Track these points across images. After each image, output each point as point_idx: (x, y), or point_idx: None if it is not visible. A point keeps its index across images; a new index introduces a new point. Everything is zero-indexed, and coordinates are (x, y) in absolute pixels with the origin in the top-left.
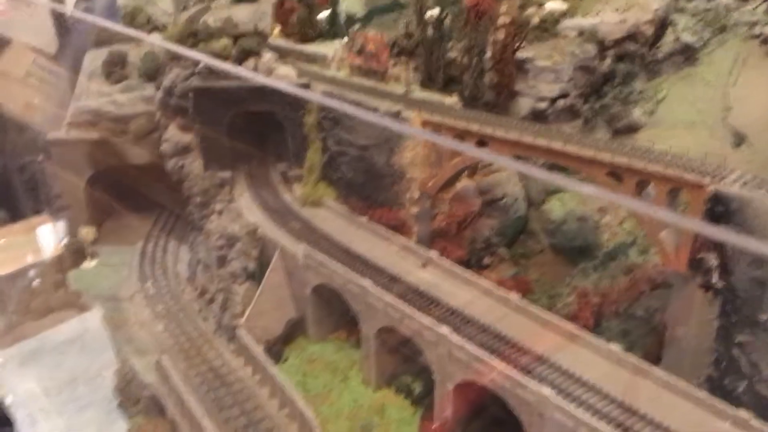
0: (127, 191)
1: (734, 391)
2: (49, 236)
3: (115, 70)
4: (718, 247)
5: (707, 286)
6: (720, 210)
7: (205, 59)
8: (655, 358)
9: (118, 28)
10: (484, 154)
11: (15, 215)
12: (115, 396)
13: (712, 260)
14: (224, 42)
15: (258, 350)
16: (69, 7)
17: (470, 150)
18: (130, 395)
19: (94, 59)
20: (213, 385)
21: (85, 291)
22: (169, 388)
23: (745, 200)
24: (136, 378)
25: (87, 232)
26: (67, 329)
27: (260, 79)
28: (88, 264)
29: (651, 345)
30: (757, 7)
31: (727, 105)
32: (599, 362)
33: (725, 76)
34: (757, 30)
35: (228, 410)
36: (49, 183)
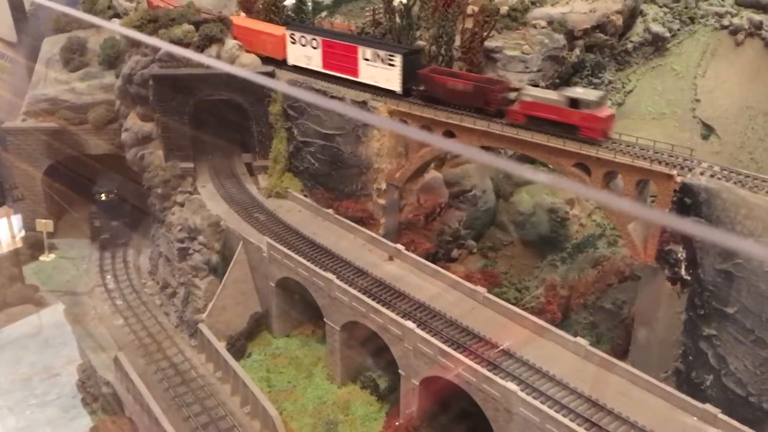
0: (87, 183)
1: (701, 384)
2: (5, 229)
3: (73, 57)
4: (686, 240)
5: (675, 279)
6: (688, 201)
7: (164, 46)
8: (622, 351)
9: (77, 13)
10: (450, 144)
11: None
12: (77, 392)
13: (680, 252)
14: (186, 28)
15: (220, 346)
16: None
17: (436, 140)
18: (91, 392)
19: (52, 46)
20: (173, 381)
21: (42, 285)
22: (127, 385)
23: (712, 192)
24: (95, 374)
25: (44, 225)
26: (26, 324)
27: (219, 65)
28: (46, 257)
29: (619, 337)
30: None
31: (696, 96)
32: (567, 356)
33: (694, 67)
34: (725, 21)
35: (188, 407)
36: (4, 174)
